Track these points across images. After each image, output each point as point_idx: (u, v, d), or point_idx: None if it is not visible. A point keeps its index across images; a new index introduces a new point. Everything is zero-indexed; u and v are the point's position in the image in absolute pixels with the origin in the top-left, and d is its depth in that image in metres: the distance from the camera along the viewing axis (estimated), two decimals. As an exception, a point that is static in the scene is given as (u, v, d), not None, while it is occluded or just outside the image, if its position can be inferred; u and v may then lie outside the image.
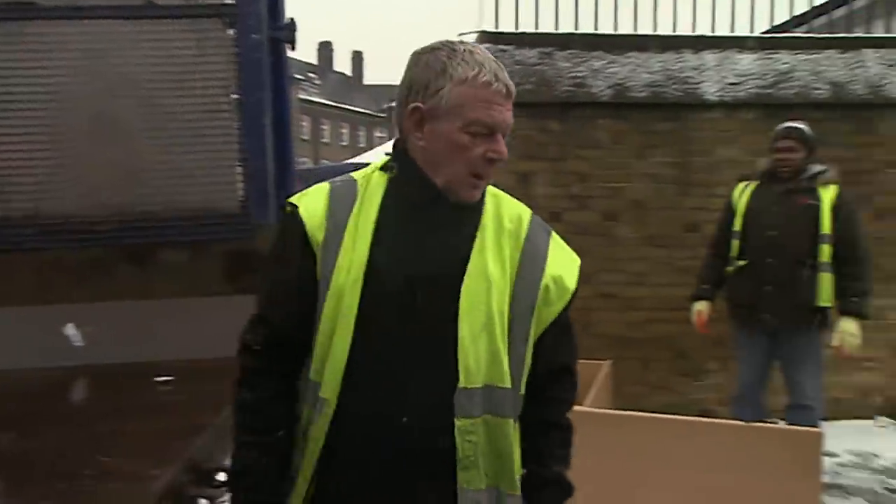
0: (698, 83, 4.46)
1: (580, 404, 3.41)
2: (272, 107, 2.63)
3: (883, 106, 4.46)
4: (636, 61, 4.46)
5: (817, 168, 3.39)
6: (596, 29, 4.59)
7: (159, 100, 2.39)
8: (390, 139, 38.94)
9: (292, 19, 2.72)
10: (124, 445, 1.41)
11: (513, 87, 1.19)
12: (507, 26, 4.58)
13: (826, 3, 5.13)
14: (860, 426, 4.54)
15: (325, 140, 49.53)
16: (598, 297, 4.49)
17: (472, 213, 1.22)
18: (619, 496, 2.88)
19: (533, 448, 1.27)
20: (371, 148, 41.40)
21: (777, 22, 5.15)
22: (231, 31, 2.52)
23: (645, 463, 2.87)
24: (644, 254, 4.39)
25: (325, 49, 57.03)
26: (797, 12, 4.92)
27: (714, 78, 4.48)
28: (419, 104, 1.16)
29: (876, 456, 4.07)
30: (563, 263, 1.27)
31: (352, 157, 34.99)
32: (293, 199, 1.21)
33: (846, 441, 4.21)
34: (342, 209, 1.18)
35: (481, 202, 1.23)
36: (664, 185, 4.48)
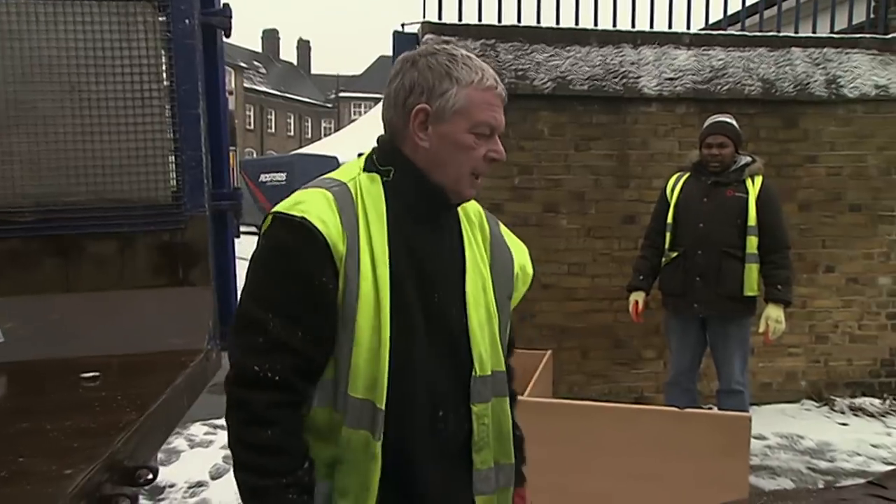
0: (637, 77, 4.55)
1: (521, 394, 3.47)
2: (206, 95, 2.56)
3: (807, 103, 4.65)
4: (577, 55, 4.52)
5: (744, 160, 3.51)
6: (538, 22, 4.63)
7: (83, 86, 2.29)
8: (337, 130, 38.49)
9: (227, 5, 2.65)
10: (41, 445, 1.35)
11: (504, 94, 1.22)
12: (450, 18, 4.59)
13: (757, 2, 5.31)
14: (787, 409, 4.75)
15: (271, 130, 48.65)
16: (539, 288, 4.55)
17: (454, 211, 1.27)
18: (557, 482, 2.94)
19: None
20: (319, 138, 40.88)
21: (712, 21, 5.30)
22: (162, 16, 2.44)
23: (583, 450, 2.93)
24: (583, 245, 4.47)
25: (271, 37, 55.89)
26: (731, 11, 5.07)
27: (652, 73, 4.58)
28: (426, 105, 1.17)
29: (801, 437, 4.26)
30: (521, 251, 1.37)
31: (299, 148, 34.54)
32: (295, 210, 1.12)
33: (774, 424, 4.39)
34: (350, 217, 1.15)
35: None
36: (603, 176, 4.57)
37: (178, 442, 4.17)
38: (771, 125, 4.67)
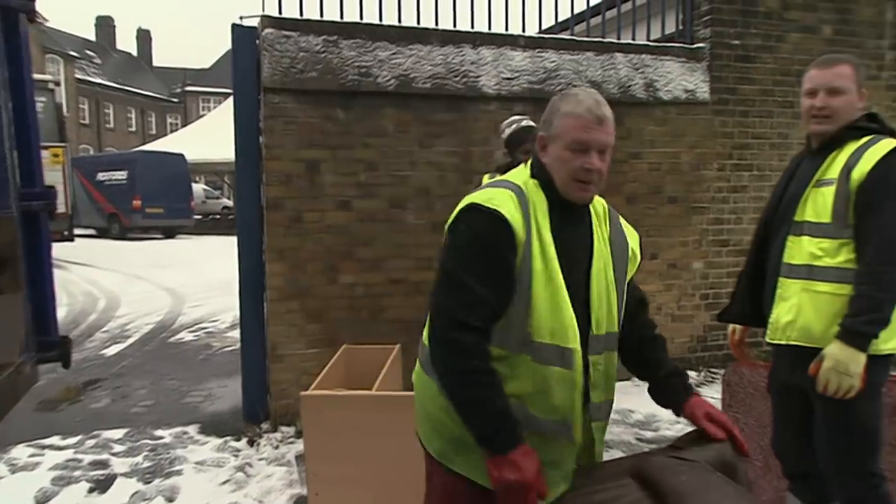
0: (477, 77, 4.73)
1: (368, 388, 3.50)
2: (10, 86, 2.35)
3: (630, 104, 5.06)
4: (419, 53, 4.61)
5: None
6: (380, 20, 4.67)
7: None
8: (184, 126, 36.37)
9: (31, -11, 2.44)
10: None
11: (605, 115, 1.59)
12: (291, 12, 4.51)
13: (584, 11, 5.69)
14: (621, 387, 5.11)
15: (109, 125, 45.04)
16: (388, 284, 4.60)
17: (586, 209, 1.69)
18: (404, 472, 2.99)
19: (653, 356, 1.79)
20: (165, 134, 38.41)
21: (545, 26, 5.60)
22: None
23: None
24: (430, 240, 4.57)
25: (106, 25, 51.70)
26: (561, 19, 5.39)
27: (491, 73, 4.77)
28: (543, 134, 1.64)
29: (632, 412, 4.63)
30: (633, 236, 1.79)
31: (142, 145, 32.21)
32: (491, 204, 1.56)
33: (608, 401, 4.75)
34: (526, 212, 1.58)
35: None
36: (447, 173, 4.70)
37: (-4, 467, 3.79)
38: (599, 124, 5.01)
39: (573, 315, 1.57)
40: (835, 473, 2.33)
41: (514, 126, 3.60)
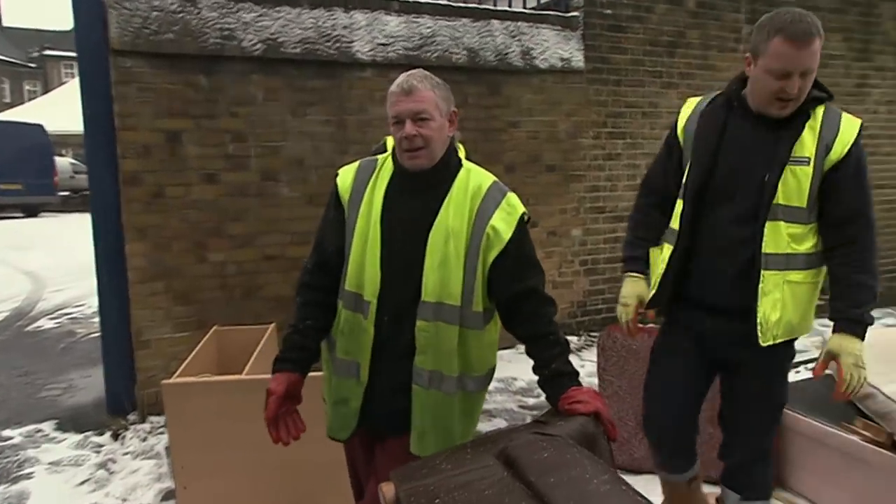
0: (350, 42, 4.53)
1: (239, 372, 3.31)
2: None
3: (507, 72, 5.04)
4: (288, 16, 4.35)
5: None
6: (244, -21, 4.35)
7: None
8: (45, 93, 33.36)
9: None
10: None
11: (411, 87, 1.75)
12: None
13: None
14: (504, 355, 5.16)
15: (-47, 93, 40.58)
16: (262, 260, 4.38)
17: (440, 183, 1.78)
18: (279, 457, 2.86)
19: (537, 356, 1.80)
20: (21, 103, 35.01)
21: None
22: None
23: (305, 420, 2.87)
24: (306, 213, 4.38)
25: (-56, -21, 46.18)
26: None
27: (365, 38, 4.59)
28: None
29: (515, 379, 4.70)
30: (502, 218, 1.75)
31: (-7, 114, 29.23)
32: (337, 171, 1.89)
33: (496, 370, 4.79)
34: (364, 178, 1.82)
35: (454, 176, 1.80)
36: (322, 143, 4.50)
37: None
38: (477, 92, 4.98)
39: (378, 272, 1.75)
40: (747, 449, 2.33)
41: None
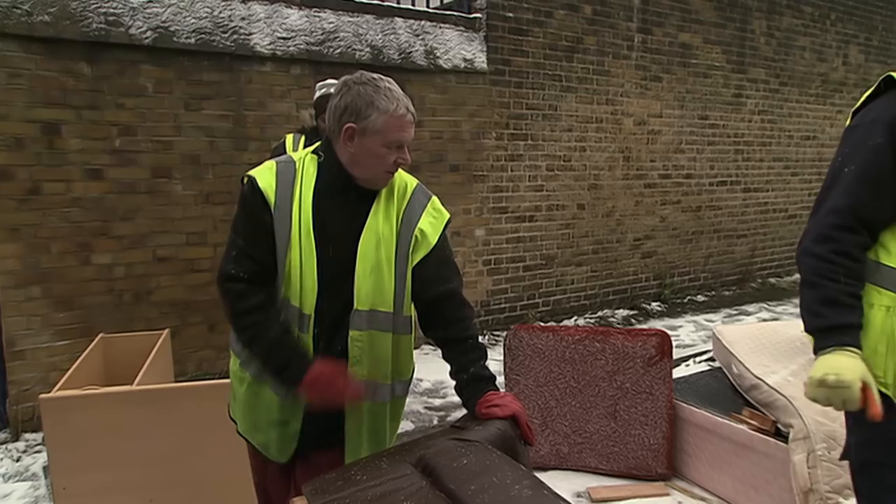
0: (249, 34, 4.34)
1: (129, 383, 3.09)
2: None
3: (411, 70, 5.01)
4: (180, 4, 4.11)
5: None
6: (132, -39, 4.07)
7: None
8: None
9: None
10: None
11: (415, 114, 1.68)
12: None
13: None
14: (409, 355, 5.18)
15: None
16: (154, 262, 4.12)
17: (371, 192, 1.72)
18: (174, 472, 2.70)
19: (455, 360, 1.74)
20: None
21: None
22: None
23: (205, 433, 2.72)
24: (202, 212, 4.16)
25: None
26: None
27: (265, 31, 4.41)
28: (353, 125, 1.64)
29: (421, 380, 4.68)
30: (429, 221, 1.74)
31: None
32: (252, 174, 1.70)
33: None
34: (287, 181, 1.69)
35: None
36: (219, 139, 4.29)
37: None
38: (381, 91, 4.90)
39: (315, 284, 1.65)
40: None
41: (322, 90, 3.39)
